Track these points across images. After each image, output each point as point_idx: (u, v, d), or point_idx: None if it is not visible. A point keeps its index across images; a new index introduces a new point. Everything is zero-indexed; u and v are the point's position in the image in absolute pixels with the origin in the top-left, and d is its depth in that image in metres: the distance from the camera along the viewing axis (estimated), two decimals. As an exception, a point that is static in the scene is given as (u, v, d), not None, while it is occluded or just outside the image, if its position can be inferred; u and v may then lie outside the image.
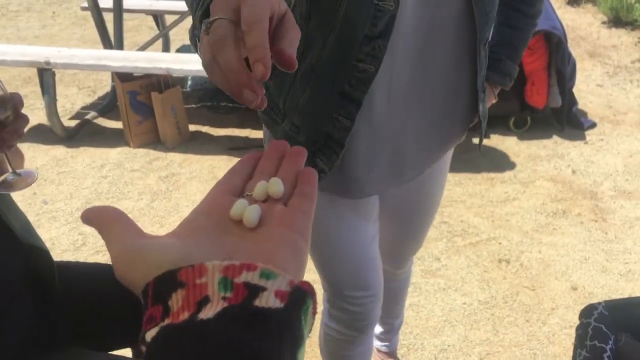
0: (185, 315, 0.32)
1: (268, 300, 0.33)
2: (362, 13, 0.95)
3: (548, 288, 2.28)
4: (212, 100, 3.81)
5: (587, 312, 1.22)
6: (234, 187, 0.45)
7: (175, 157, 3.24)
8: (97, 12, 3.66)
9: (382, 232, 1.39)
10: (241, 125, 3.55)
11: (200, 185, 2.99)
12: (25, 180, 1.09)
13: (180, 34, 4.62)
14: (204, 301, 0.33)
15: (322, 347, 1.54)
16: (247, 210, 0.41)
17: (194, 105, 3.74)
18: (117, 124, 3.54)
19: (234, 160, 3.19)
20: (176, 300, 0.33)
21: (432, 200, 1.43)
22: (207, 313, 0.32)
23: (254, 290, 0.33)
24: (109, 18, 3.77)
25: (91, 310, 1.25)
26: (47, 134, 3.42)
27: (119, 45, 3.76)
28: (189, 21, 4.05)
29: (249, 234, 0.40)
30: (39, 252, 1.18)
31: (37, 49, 3.42)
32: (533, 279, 2.33)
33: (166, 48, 4.39)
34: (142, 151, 3.30)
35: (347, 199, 1.21)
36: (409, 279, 1.74)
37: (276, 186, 0.43)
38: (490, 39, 1.14)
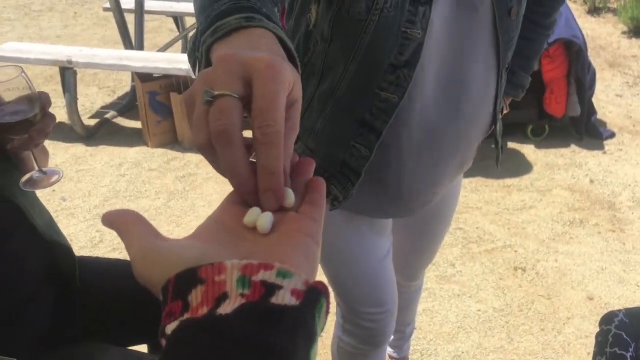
0: (204, 311, 0.34)
1: (284, 298, 0.34)
2: (389, 40, 0.91)
3: (564, 297, 2.26)
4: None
5: (608, 319, 1.21)
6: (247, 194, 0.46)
7: (193, 157, 3.26)
8: (119, 13, 3.70)
9: (396, 245, 1.37)
10: (258, 127, 3.56)
11: (216, 186, 3.01)
12: (51, 178, 1.11)
13: (200, 36, 4.66)
14: (223, 297, 0.34)
15: (336, 359, 1.53)
16: (260, 218, 0.42)
17: (212, 107, 3.76)
18: (136, 124, 3.58)
19: (251, 162, 3.21)
20: (196, 296, 0.34)
21: (446, 214, 1.41)
22: (226, 309, 0.33)
23: (271, 289, 0.34)
24: (130, 19, 3.81)
25: (109, 306, 1.27)
26: (67, 132, 3.46)
27: (140, 46, 3.80)
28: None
29: (262, 240, 0.41)
30: (62, 249, 1.19)
31: (60, 48, 3.47)
32: (549, 287, 2.31)
33: (186, 49, 4.43)
34: (160, 151, 3.33)
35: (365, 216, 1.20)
36: (420, 290, 1.73)
37: (289, 198, 0.44)
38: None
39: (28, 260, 1.12)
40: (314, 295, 0.36)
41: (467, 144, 1.13)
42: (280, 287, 0.35)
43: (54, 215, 1.22)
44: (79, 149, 3.36)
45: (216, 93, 0.41)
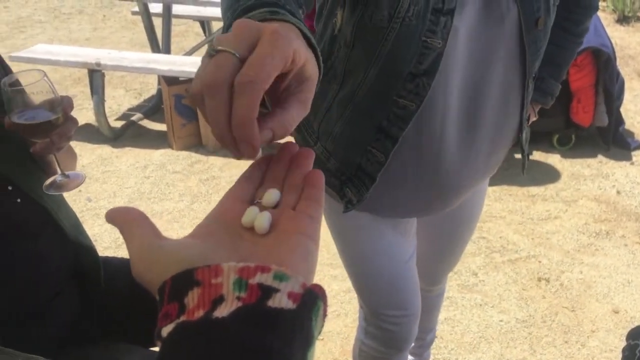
0: (200, 313, 0.33)
1: (281, 301, 0.34)
2: (409, 49, 0.92)
3: (588, 310, 2.23)
4: (254, 106, 3.84)
5: (635, 334, 1.19)
6: (245, 193, 0.46)
7: (216, 161, 3.29)
8: (147, 16, 3.75)
9: (419, 248, 1.38)
10: (282, 132, 3.57)
11: (239, 190, 3.02)
12: (73, 182, 1.12)
13: (226, 40, 4.69)
14: (219, 300, 0.34)
15: None
16: (258, 218, 0.42)
17: (236, 111, 3.78)
18: (161, 126, 3.61)
19: (274, 166, 3.22)
20: (192, 298, 0.34)
21: (470, 219, 1.41)
22: (222, 312, 0.33)
23: (268, 291, 0.34)
24: (157, 23, 3.86)
25: (131, 306, 1.28)
26: (94, 134, 3.51)
27: (167, 50, 3.85)
28: (234, 28, 4.11)
29: (260, 240, 0.42)
30: (86, 250, 1.21)
31: (89, 50, 3.53)
32: (573, 299, 2.28)
33: (211, 54, 4.47)
34: (184, 154, 3.36)
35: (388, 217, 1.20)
36: (443, 295, 1.72)
37: (272, 197, 0.45)
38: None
39: (53, 260, 1.14)
40: (310, 298, 0.36)
41: (490, 151, 1.13)
42: (276, 290, 0.35)
43: (79, 215, 1.24)
44: (105, 150, 3.41)
45: (218, 48, 0.43)
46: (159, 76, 3.58)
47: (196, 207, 2.89)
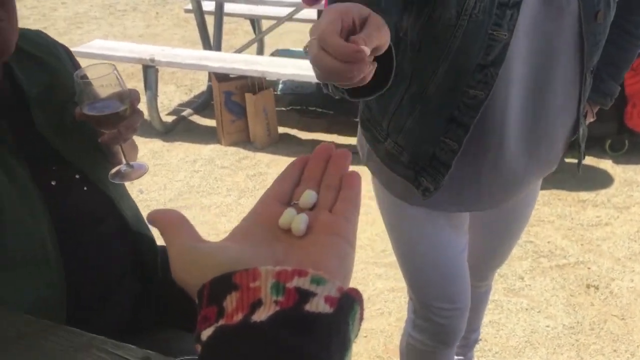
0: (239, 317, 0.34)
1: (318, 305, 0.34)
2: (477, 43, 0.96)
3: (639, 319, 2.17)
4: (302, 104, 3.89)
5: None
6: (282, 193, 0.47)
7: (264, 157, 3.34)
8: (200, 14, 3.83)
9: (469, 243, 1.39)
10: (328, 130, 3.60)
11: (285, 186, 3.06)
12: (137, 172, 1.17)
13: (275, 38, 4.74)
14: (257, 304, 0.34)
15: (404, 356, 1.54)
16: (294, 220, 0.43)
17: (283, 108, 3.83)
18: (210, 122, 3.69)
19: (320, 164, 3.25)
20: (230, 301, 0.35)
21: (523, 215, 1.42)
22: (260, 315, 0.34)
23: (305, 295, 0.35)
24: (209, 21, 3.93)
25: (184, 293, 1.32)
26: (146, 128, 3.60)
27: (218, 47, 3.92)
28: (284, 27, 4.17)
29: (297, 242, 0.42)
30: (146, 240, 1.25)
31: (143, 47, 3.63)
32: (623, 308, 2.23)
33: (260, 51, 4.53)
34: (232, 149, 3.42)
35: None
36: (489, 293, 1.72)
37: (309, 198, 0.46)
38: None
39: (116, 247, 1.18)
40: (347, 303, 0.36)
41: (549, 143, 1.16)
42: (314, 294, 0.35)
43: (132, 206, 1.29)
44: (157, 144, 3.50)
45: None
46: (209, 73, 3.66)
47: (243, 202, 2.95)
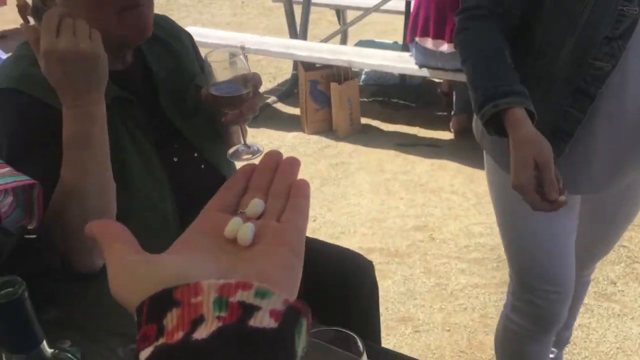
0: (179, 335, 0.32)
1: (262, 320, 0.33)
2: (606, 17, 1.00)
3: None
4: (384, 96, 3.88)
5: None
6: (228, 202, 0.45)
7: (346, 147, 3.36)
8: (289, 3, 3.88)
9: (577, 229, 1.37)
10: (411, 122, 3.58)
11: (367, 177, 3.08)
12: (252, 152, 1.20)
13: (358, 29, 4.74)
14: (199, 320, 0.33)
15: (500, 341, 1.52)
16: (241, 229, 0.41)
17: (366, 100, 3.84)
18: (293, 110, 3.74)
19: (401, 155, 3.24)
20: (171, 319, 0.33)
21: (633, 206, 1.39)
22: (202, 333, 0.32)
23: (249, 310, 0.33)
24: (295, 10, 3.98)
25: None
26: (232, 113, 3.70)
27: (303, 36, 3.96)
28: (369, 17, 4.16)
29: (243, 252, 0.40)
30: None
31: (233, 34, 3.73)
32: None
33: (344, 42, 4.54)
34: (315, 137, 3.46)
35: None
36: (587, 286, 1.68)
37: (256, 207, 0.44)
38: None
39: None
40: (293, 316, 0.34)
41: None
42: (258, 308, 0.33)
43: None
44: (243, 129, 3.58)
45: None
46: (294, 61, 3.71)
47: (325, 190, 2.98)
